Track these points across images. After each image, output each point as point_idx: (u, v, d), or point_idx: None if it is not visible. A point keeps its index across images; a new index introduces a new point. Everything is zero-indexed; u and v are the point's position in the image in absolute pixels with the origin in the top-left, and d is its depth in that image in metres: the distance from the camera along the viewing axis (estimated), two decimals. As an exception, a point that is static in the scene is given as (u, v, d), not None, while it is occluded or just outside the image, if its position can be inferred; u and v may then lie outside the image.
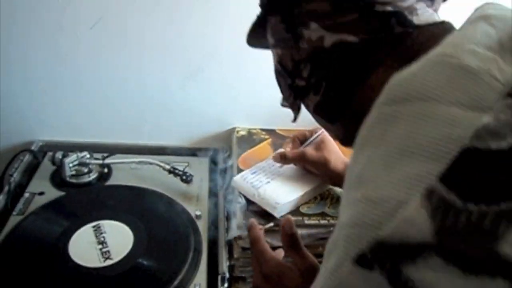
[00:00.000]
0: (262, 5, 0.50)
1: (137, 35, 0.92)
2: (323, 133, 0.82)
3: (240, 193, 0.82)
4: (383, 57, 0.42)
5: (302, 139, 0.85)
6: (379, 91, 0.40)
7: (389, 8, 0.41)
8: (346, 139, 0.51)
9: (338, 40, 0.43)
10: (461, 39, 0.34)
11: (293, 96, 0.50)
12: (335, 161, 0.78)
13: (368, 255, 0.28)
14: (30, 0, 0.85)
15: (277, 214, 0.76)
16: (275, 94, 1.01)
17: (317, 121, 0.51)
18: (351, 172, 0.34)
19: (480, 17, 0.36)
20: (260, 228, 0.65)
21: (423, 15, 0.42)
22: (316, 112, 0.49)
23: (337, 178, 0.79)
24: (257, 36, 0.53)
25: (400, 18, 0.41)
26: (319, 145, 0.80)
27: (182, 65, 0.97)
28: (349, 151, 0.78)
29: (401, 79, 0.33)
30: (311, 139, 0.83)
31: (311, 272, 0.56)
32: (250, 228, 0.64)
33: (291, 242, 0.58)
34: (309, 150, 0.80)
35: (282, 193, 0.79)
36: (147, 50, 0.94)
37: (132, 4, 0.88)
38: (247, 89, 1.02)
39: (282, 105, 0.56)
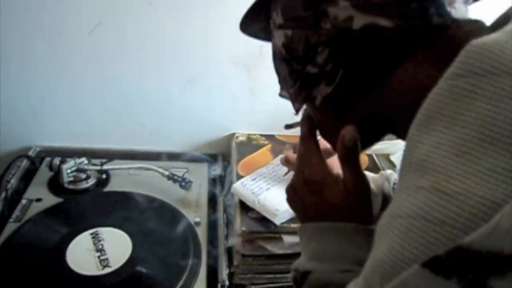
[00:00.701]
0: None
1: (136, 41, 0.92)
2: (322, 140, 0.80)
3: (240, 200, 0.82)
4: (416, 49, 0.38)
5: None
6: (406, 87, 0.36)
7: None
8: None
9: (369, 22, 0.37)
10: None
11: (299, 86, 0.44)
12: (337, 169, 0.77)
13: (446, 263, 0.24)
14: (29, 7, 0.85)
15: (277, 221, 0.76)
16: (274, 100, 1.02)
17: (317, 119, 0.46)
18: (411, 153, 0.30)
19: None
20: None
21: (460, 10, 0.38)
22: (323, 106, 0.44)
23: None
24: (255, 18, 0.47)
25: (439, 8, 0.37)
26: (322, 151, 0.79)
27: (181, 70, 0.96)
28: None
29: (483, 47, 0.28)
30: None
31: (358, 193, 0.47)
32: (305, 119, 0.51)
33: (347, 154, 0.46)
34: None
35: (282, 200, 0.78)
36: (147, 56, 0.94)
37: (131, 10, 0.88)
38: (246, 94, 1.01)
39: (281, 95, 0.49)
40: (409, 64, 0.38)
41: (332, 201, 0.47)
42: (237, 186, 0.83)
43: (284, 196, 0.79)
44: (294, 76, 0.44)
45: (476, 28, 0.38)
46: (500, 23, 0.37)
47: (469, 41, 0.32)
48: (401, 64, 0.38)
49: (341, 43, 0.40)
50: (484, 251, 0.23)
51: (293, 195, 0.51)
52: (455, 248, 0.24)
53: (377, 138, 0.47)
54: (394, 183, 0.73)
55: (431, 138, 0.28)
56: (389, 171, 0.76)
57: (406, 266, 0.26)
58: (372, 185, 0.72)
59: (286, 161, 0.80)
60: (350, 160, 0.47)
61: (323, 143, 0.57)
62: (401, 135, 0.42)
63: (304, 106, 0.48)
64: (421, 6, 0.37)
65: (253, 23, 0.49)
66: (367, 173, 0.76)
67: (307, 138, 0.51)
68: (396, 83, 0.39)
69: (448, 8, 0.37)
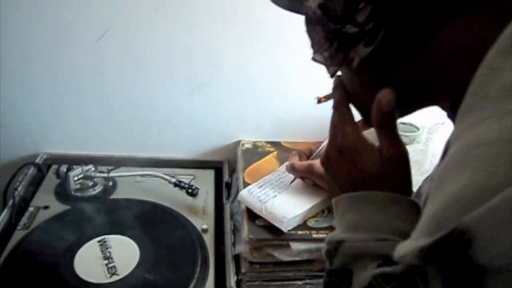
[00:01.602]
0: None
1: (143, 48, 0.92)
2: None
3: (247, 207, 0.82)
4: (472, 4, 0.34)
5: (308, 154, 0.83)
6: (457, 47, 0.33)
7: None
8: None
9: None
10: None
11: (336, 46, 0.41)
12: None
13: None
14: (37, 15, 0.86)
15: (284, 228, 0.75)
16: (280, 107, 1.02)
17: (353, 84, 0.44)
18: (491, 83, 0.28)
19: None
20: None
21: None
22: (361, 69, 0.41)
23: None
24: None
25: None
26: None
27: (187, 78, 0.97)
28: None
29: None
30: (318, 150, 0.82)
31: (395, 162, 0.44)
32: (338, 85, 0.48)
33: (385, 121, 0.43)
34: (317, 163, 0.76)
35: (289, 207, 0.78)
36: (153, 63, 0.94)
37: (138, 18, 0.89)
38: (252, 102, 1.02)
39: (314, 59, 0.45)
40: (462, 21, 0.35)
41: (368, 170, 0.44)
42: (244, 193, 0.83)
43: (290, 203, 0.80)
44: (331, 37, 0.41)
45: None
46: None
47: None
48: (452, 21, 0.35)
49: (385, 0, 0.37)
50: None
51: (328, 166, 0.48)
52: None
53: (417, 106, 0.44)
54: None
55: None
56: None
57: (495, 193, 0.24)
58: None
59: (291, 169, 0.80)
60: (387, 126, 0.44)
61: None
62: (440, 100, 0.39)
63: (337, 74, 0.46)
64: None
65: None
66: None
67: (341, 104, 0.48)
68: (445, 43, 0.36)
69: None
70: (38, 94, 0.95)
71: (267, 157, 1.01)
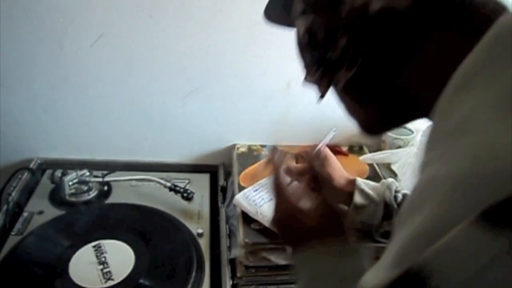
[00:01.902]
0: None
1: (138, 53, 0.92)
2: (326, 149, 0.81)
3: (242, 211, 0.82)
4: (439, 27, 0.37)
5: (305, 156, 0.84)
6: (435, 65, 0.36)
7: None
8: (375, 124, 0.47)
9: (387, 6, 0.37)
10: None
11: (321, 71, 0.44)
12: (338, 178, 0.76)
13: (499, 214, 0.24)
14: (32, 20, 0.85)
15: None
16: (275, 110, 1.03)
17: (343, 101, 0.47)
18: (445, 120, 0.29)
19: None
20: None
21: None
22: (346, 91, 0.44)
23: (339, 195, 0.77)
24: (278, 10, 0.48)
25: None
26: (323, 162, 0.78)
27: (182, 82, 0.97)
28: (351, 168, 0.76)
29: None
30: (315, 151, 0.81)
31: (329, 215, 0.52)
32: (270, 169, 0.57)
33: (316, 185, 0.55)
34: (316, 165, 0.77)
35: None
36: (148, 68, 0.94)
37: (133, 22, 0.89)
38: (247, 106, 1.02)
39: (306, 81, 0.49)
40: (434, 42, 0.37)
41: (310, 226, 0.52)
42: (239, 197, 0.83)
43: None
44: (317, 62, 0.44)
45: (500, 7, 0.37)
46: None
47: (495, 15, 0.33)
48: (426, 43, 0.37)
49: (360, 28, 0.39)
50: None
51: (280, 228, 0.57)
52: (507, 197, 0.24)
53: (404, 120, 0.47)
54: (396, 191, 0.74)
55: (471, 98, 0.28)
56: (390, 180, 0.77)
57: (452, 226, 0.26)
58: (373, 193, 0.73)
59: (288, 172, 0.80)
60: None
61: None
62: (426, 114, 0.41)
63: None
64: None
65: (275, 11, 0.50)
66: (368, 181, 0.76)
67: (276, 182, 0.57)
68: (422, 62, 0.38)
69: None
70: (32, 99, 0.95)
71: (262, 160, 1.01)
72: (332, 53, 0.42)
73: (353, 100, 0.45)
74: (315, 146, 0.82)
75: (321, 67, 0.44)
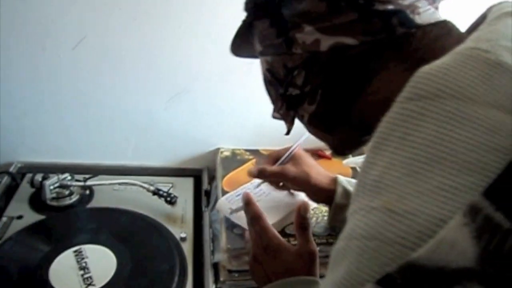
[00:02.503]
0: (247, 9, 0.46)
1: (121, 56, 0.91)
2: (298, 148, 0.79)
3: (224, 216, 0.81)
4: (385, 61, 0.39)
5: (276, 158, 0.80)
6: (384, 96, 0.37)
7: (390, 7, 0.38)
8: (344, 148, 0.49)
9: (335, 43, 0.39)
10: (494, 34, 0.31)
11: (285, 107, 0.47)
12: (316, 175, 0.75)
13: (398, 279, 0.25)
14: (12, 22, 0.84)
15: None
16: (259, 114, 1.03)
17: (312, 132, 0.49)
18: (365, 175, 0.31)
19: (505, 13, 0.34)
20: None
21: (425, 14, 0.39)
22: (312, 123, 0.47)
23: (320, 194, 0.75)
24: (242, 44, 0.49)
25: (401, 17, 0.38)
26: (297, 161, 0.77)
27: (166, 85, 0.97)
28: (334, 171, 0.78)
29: (431, 72, 0.29)
30: (286, 154, 0.79)
31: (307, 257, 0.58)
32: (248, 203, 0.64)
33: (302, 223, 0.60)
34: (288, 166, 0.76)
35: (267, 214, 0.78)
36: (131, 71, 0.93)
37: (115, 25, 0.88)
38: (231, 110, 1.02)
39: (273, 117, 0.52)
40: (382, 74, 0.39)
41: (287, 264, 0.58)
42: (222, 202, 0.83)
43: (268, 210, 0.79)
44: (281, 98, 0.47)
45: (444, 32, 0.39)
46: (475, 27, 0.38)
47: (436, 45, 0.35)
48: (376, 75, 0.39)
49: (314, 65, 0.42)
50: (431, 265, 0.24)
51: (255, 264, 0.61)
52: (405, 264, 0.25)
53: (366, 142, 0.49)
54: None
55: (383, 159, 0.29)
56: None
57: (362, 285, 0.27)
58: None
59: (261, 173, 0.78)
60: (304, 229, 0.60)
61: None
62: None
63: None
64: (384, 19, 0.38)
65: (241, 50, 0.52)
66: (350, 179, 0.76)
67: (258, 218, 0.62)
68: (372, 94, 0.40)
69: (411, 16, 0.38)
70: (13, 102, 0.93)
71: (246, 165, 1.01)
72: (293, 89, 0.44)
73: (320, 130, 0.47)
74: (287, 148, 0.81)
75: (285, 103, 0.46)
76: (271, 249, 0.60)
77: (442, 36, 0.38)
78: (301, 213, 0.60)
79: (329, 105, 0.43)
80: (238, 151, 1.06)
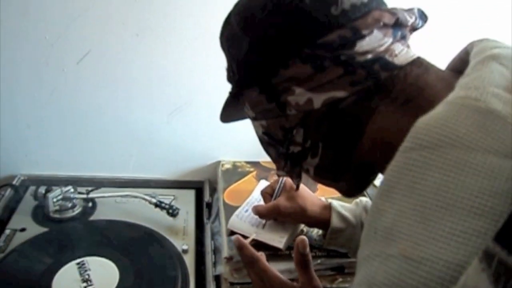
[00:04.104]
0: (234, 80, 0.49)
1: (124, 70, 0.93)
2: (288, 180, 0.77)
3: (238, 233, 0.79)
4: (376, 105, 0.42)
5: (271, 192, 0.79)
6: (381, 136, 0.40)
7: (369, 56, 0.41)
8: (354, 191, 0.51)
9: (328, 98, 0.42)
10: (480, 81, 0.33)
11: (289, 164, 0.48)
12: (311, 207, 0.74)
13: None
14: (17, 36, 0.86)
15: (283, 247, 0.76)
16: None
17: (320, 183, 0.50)
18: (376, 221, 0.32)
19: (489, 57, 0.36)
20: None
21: (401, 55, 0.42)
22: (318, 175, 0.48)
23: (316, 223, 0.76)
24: (232, 112, 0.52)
25: (382, 63, 0.41)
26: (291, 193, 0.74)
27: (167, 100, 0.98)
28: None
29: (428, 123, 0.31)
30: (277, 189, 0.78)
31: None
32: (241, 248, 0.62)
33: (302, 260, 0.58)
34: (283, 203, 0.74)
35: (280, 227, 0.79)
36: (134, 85, 0.95)
37: (118, 39, 0.90)
38: (232, 123, 1.03)
39: (278, 175, 0.54)
40: (375, 118, 0.42)
41: None
42: (234, 220, 0.81)
43: (280, 223, 0.79)
44: (283, 157, 0.48)
45: (422, 69, 0.42)
46: (458, 62, 0.42)
47: (419, 83, 0.37)
48: (370, 119, 0.42)
49: (311, 122, 0.44)
50: None
51: None
52: None
53: (373, 180, 0.51)
54: None
55: (394, 207, 0.30)
56: (364, 199, 0.77)
57: None
58: (350, 216, 0.73)
59: (258, 214, 0.77)
60: (304, 264, 0.58)
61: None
62: None
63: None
64: (367, 68, 0.41)
65: (231, 118, 0.54)
66: (344, 204, 0.76)
67: (256, 261, 0.60)
68: (370, 137, 0.42)
69: (390, 59, 0.41)
70: (17, 115, 0.95)
71: (247, 177, 1.02)
72: (294, 147, 0.46)
73: (327, 179, 0.49)
74: (277, 179, 0.79)
75: (288, 161, 0.48)
76: None
77: (422, 74, 0.41)
78: (300, 250, 0.58)
79: (331, 155, 0.45)
80: (239, 164, 1.07)
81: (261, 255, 0.62)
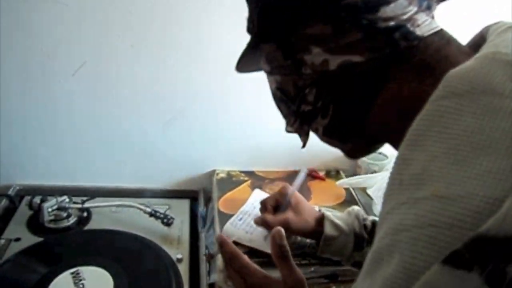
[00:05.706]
0: (253, 32, 0.47)
1: (119, 81, 0.94)
2: (295, 194, 0.80)
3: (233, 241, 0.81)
4: (392, 74, 0.41)
5: (274, 204, 0.80)
6: (394, 106, 0.40)
7: (391, 23, 0.40)
8: (356, 154, 0.52)
9: (343, 61, 0.41)
10: (508, 42, 0.35)
11: (299, 122, 0.49)
12: (312, 221, 0.77)
13: (466, 254, 0.26)
14: (13, 47, 0.87)
15: None
16: (254, 137, 1.05)
17: (327, 142, 0.51)
18: (401, 172, 0.32)
19: (510, 27, 0.38)
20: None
21: (424, 25, 0.41)
22: (326, 135, 0.48)
23: (312, 235, 0.78)
24: (249, 63, 0.51)
25: (403, 32, 0.40)
26: (297, 208, 0.78)
27: (162, 109, 0.99)
28: (328, 192, 0.78)
29: (461, 73, 0.32)
30: (285, 202, 0.79)
31: (297, 286, 0.55)
32: (222, 244, 0.62)
33: (280, 253, 0.56)
34: (292, 217, 0.77)
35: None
36: (128, 95, 0.96)
37: (113, 51, 0.91)
38: (227, 132, 1.04)
39: (287, 131, 0.53)
40: (391, 85, 0.41)
41: None
42: (228, 227, 0.83)
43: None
44: (293, 114, 0.48)
45: (444, 41, 0.41)
46: (475, 43, 0.42)
47: (440, 54, 0.38)
48: (384, 87, 0.42)
49: (324, 83, 0.44)
50: (501, 236, 0.25)
51: None
52: (473, 237, 0.26)
53: (379, 147, 0.51)
54: (364, 219, 0.76)
55: (423, 153, 0.31)
56: (356, 208, 0.79)
57: (419, 275, 0.27)
58: (343, 225, 0.75)
59: (264, 224, 0.78)
60: (284, 257, 0.56)
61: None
62: (396, 147, 0.45)
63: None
64: (387, 36, 0.40)
65: (247, 68, 0.53)
66: (336, 213, 0.78)
67: (236, 257, 0.60)
68: (383, 104, 0.42)
69: (412, 29, 0.40)
70: (12, 125, 0.95)
71: (241, 186, 1.03)
72: (305, 106, 0.46)
73: (335, 140, 0.49)
74: (283, 192, 0.80)
75: (298, 119, 0.48)
76: (257, 285, 0.58)
77: (443, 45, 0.41)
78: (277, 241, 0.56)
79: (341, 118, 0.45)
80: (233, 173, 1.08)
81: (244, 255, 0.62)
